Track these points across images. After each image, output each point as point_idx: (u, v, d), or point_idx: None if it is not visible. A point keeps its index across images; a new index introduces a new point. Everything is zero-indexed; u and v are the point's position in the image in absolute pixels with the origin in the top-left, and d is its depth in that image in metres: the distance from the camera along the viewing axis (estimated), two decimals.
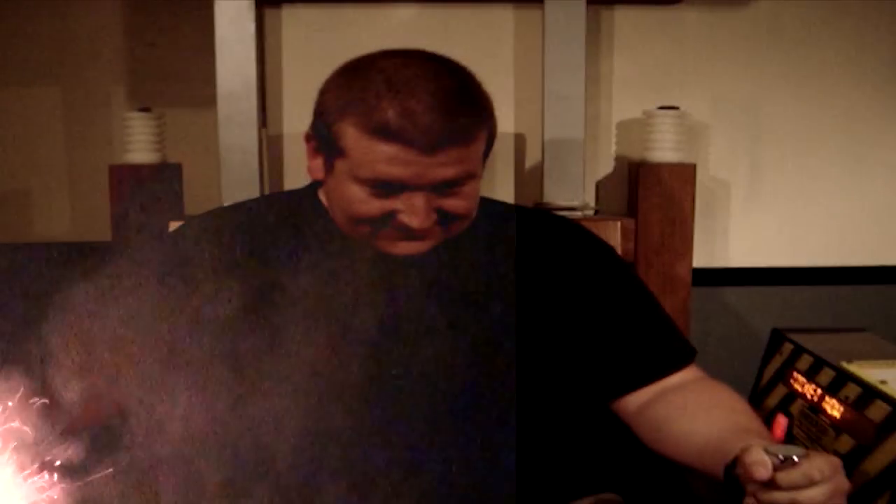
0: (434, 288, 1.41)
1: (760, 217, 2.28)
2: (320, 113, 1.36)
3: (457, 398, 1.36)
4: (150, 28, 1.97)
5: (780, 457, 1.12)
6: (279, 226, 1.44)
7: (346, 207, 1.35)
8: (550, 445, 1.45)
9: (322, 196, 1.43)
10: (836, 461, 1.14)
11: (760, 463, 1.12)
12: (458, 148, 1.31)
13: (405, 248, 1.36)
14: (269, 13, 2.13)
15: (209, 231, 1.45)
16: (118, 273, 1.35)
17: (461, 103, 1.30)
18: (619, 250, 1.89)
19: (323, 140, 1.34)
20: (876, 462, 1.24)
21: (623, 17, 2.21)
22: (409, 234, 1.34)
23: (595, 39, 2.19)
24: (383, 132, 1.25)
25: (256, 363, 1.28)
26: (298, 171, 1.88)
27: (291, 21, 2.17)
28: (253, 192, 2.00)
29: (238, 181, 2.02)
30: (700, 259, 2.10)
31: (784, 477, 1.11)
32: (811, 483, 1.11)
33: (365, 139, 1.27)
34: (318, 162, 1.39)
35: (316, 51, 2.13)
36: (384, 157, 1.27)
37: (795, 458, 1.12)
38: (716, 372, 1.54)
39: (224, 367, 1.27)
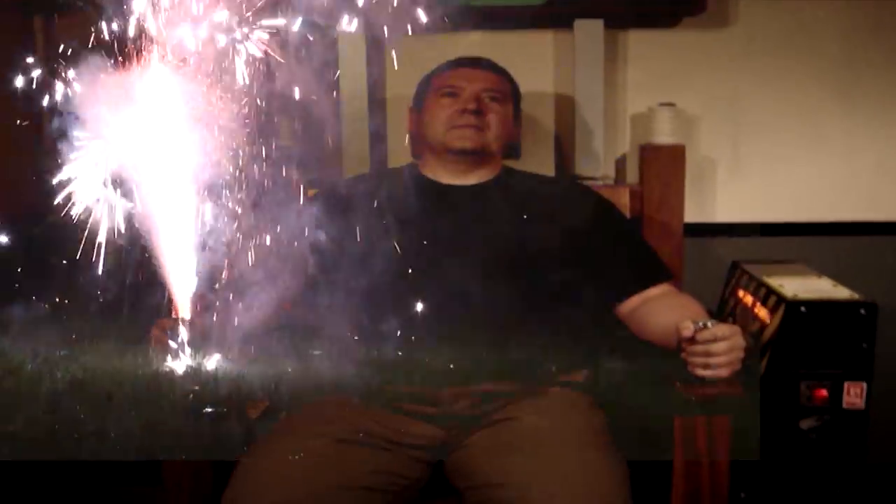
0: (492, 216, 2.07)
1: (739, 185, 2.70)
2: (418, 90, 2.21)
3: (502, 282, 1.97)
4: None
5: (700, 324, 1.68)
6: (391, 182, 2.13)
7: (433, 119, 2.11)
8: (565, 331, 2.00)
9: (417, 166, 2.15)
10: (736, 328, 1.71)
11: (685, 327, 1.69)
12: (491, 73, 2.15)
13: (467, 137, 2.06)
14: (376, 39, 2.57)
15: (357, 186, 2.14)
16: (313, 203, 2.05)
17: (491, 62, 2.15)
18: (628, 210, 2.41)
19: (417, 102, 2.17)
20: (767, 333, 1.86)
21: (634, 37, 2.65)
22: (467, 123, 2.05)
23: (613, 54, 2.63)
24: (447, 66, 2.14)
25: (384, 253, 1.94)
26: (397, 149, 2.57)
27: (394, 46, 2.54)
28: (364, 167, 2.55)
29: (354, 160, 2.56)
30: (691, 216, 2.51)
31: (700, 335, 1.68)
32: (717, 339, 1.68)
33: (438, 78, 2.15)
34: (416, 116, 2.17)
35: (410, 63, 2.43)
36: (448, 78, 2.12)
37: (709, 325, 1.68)
38: (699, 293, 2.08)
39: (369, 256, 1.95)
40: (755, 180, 2.72)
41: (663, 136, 2.53)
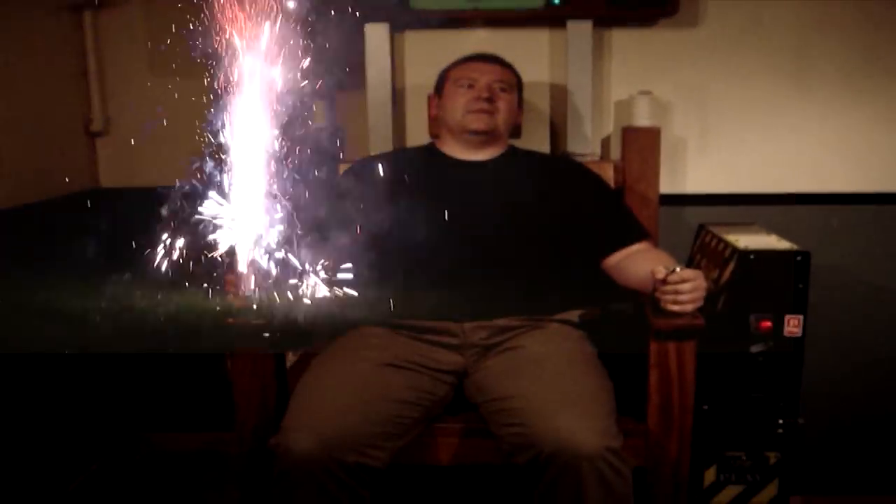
0: (500, 185, 2.38)
1: (706, 160, 2.90)
2: (439, 80, 2.48)
3: (509, 238, 2.30)
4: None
5: (670, 269, 2.00)
6: (415, 157, 2.47)
7: (452, 104, 2.42)
8: (561, 277, 2.34)
9: (435, 144, 2.45)
10: (699, 272, 2.03)
11: (658, 271, 2.01)
12: (500, 67, 2.45)
13: (481, 120, 2.38)
14: (397, 36, 2.84)
15: (385, 161, 2.45)
16: (348, 176, 2.40)
17: (500, 58, 2.41)
18: (612, 181, 2.64)
19: (438, 90, 2.43)
20: (724, 277, 2.23)
21: (618, 35, 2.84)
22: (481, 108, 2.36)
23: (600, 50, 2.82)
24: (463, 61, 2.42)
25: (412, 215, 2.25)
26: (415, 128, 2.87)
27: (412, 40, 2.87)
28: (388, 146, 2.78)
29: (379, 139, 2.80)
30: (666, 187, 2.72)
31: (670, 277, 2.00)
32: (684, 280, 2.00)
33: (455, 70, 2.40)
34: (436, 101, 2.46)
35: (426, 57, 2.79)
36: (464, 70, 2.39)
37: (677, 269, 2.00)
38: (672, 251, 2.38)
39: (398, 217, 2.26)
40: (719, 156, 2.91)
41: (642, 119, 2.76)
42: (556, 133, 2.91)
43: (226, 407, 2.19)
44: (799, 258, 2.18)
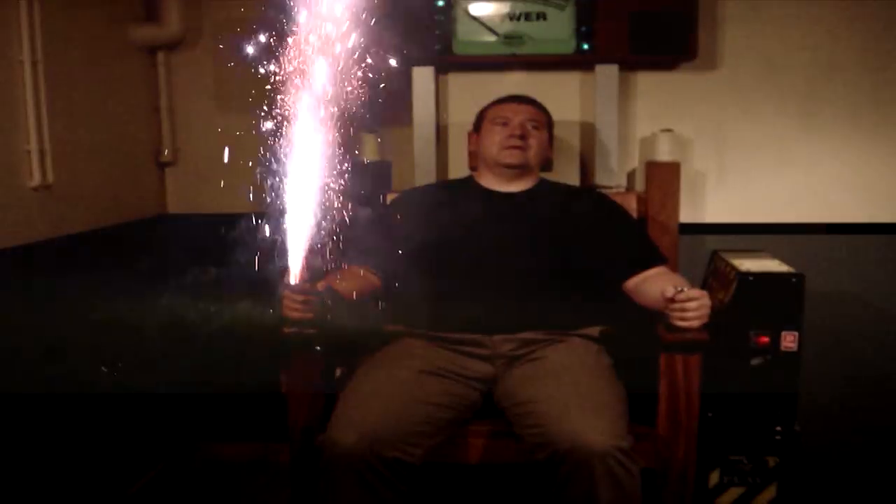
0: (530, 214, 2.55)
1: (723, 192, 3.04)
2: (477, 119, 2.64)
3: (537, 261, 2.48)
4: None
5: (679, 288, 2.16)
6: (455, 188, 2.66)
7: (489, 141, 2.59)
8: (583, 297, 2.50)
9: (473, 177, 2.64)
10: (705, 292, 2.19)
11: (667, 290, 2.17)
12: (532, 107, 2.62)
13: (514, 155, 2.56)
14: (441, 78, 3.04)
15: (428, 192, 2.68)
16: (395, 205, 2.61)
17: (533, 99, 2.57)
18: (635, 212, 2.79)
19: (476, 127, 2.60)
20: (727, 297, 2.42)
21: (642, 77, 3.01)
22: (514, 144, 2.53)
23: (626, 91, 2.98)
24: (499, 101, 2.58)
25: (451, 240, 2.46)
26: (456, 161, 3.04)
27: (454, 82, 3.07)
28: (431, 178, 2.98)
29: (424, 172, 3.01)
30: (685, 217, 2.84)
31: (678, 296, 2.17)
32: (690, 299, 2.17)
33: (492, 110, 2.57)
34: (475, 138, 2.63)
35: (467, 97, 2.98)
36: (500, 110, 2.55)
37: (685, 289, 2.17)
38: (690, 275, 2.56)
39: (439, 242, 2.46)
40: (735, 189, 3.04)
41: (664, 154, 2.91)
42: (586, 166, 3.06)
43: (277, 419, 2.37)
44: (794, 280, 2.37)
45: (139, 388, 2.93)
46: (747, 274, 2.40)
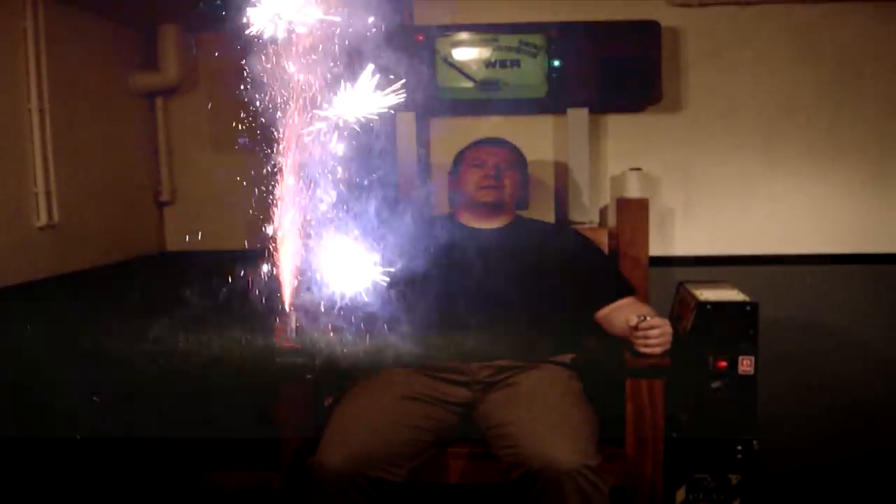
0: (506, 249, 2.68)
1: (690, 227, 3.16)
2: (455, 160, 2.74)
3: (512, 293, 2.59)
4: None
5: (641, 317, 2.31)
6: (436, 225, 2.75)
7: (466, 181, 2.70)
8: (555, 327, 2.64)
9: (455, 215, 2.76)
10: (666, 320, 2.34)
11: (631, 319, 2.32)
12: (506, 149, 2.73)
13: (490, 194, 2.67)
14: (424, 122, 3.18)
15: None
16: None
17: (506, 142, 2.68)
18: (607, 247, 2.92)
19: (454, 171, 2.70)
20: (688, 324, 2.57)
21: (612, 119, 3.15)
22: (489, 184, 2.65)
23: (596, 132, 3.12)
24: (475, 144, 2.67)
25: (431, 274, 2.51)
26: (439, 200, 3.03)
27: (436, 125, 3.22)
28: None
29: None
30: (655, 250, 2.98)
31: (641, 324, 2.32)
32: (652, 327, 2.31)
33: (469, 153, 2.66)
34: (452, 180, 2.73)
35: (448, 139, 3.06)
36: (476, 153, 2.66)
37: (647, 318, 2.31)
38: (659, 305, 2.67)
39: (423, 275, 2.49)
40: (702, 223, 3.17)
41: (633, 191, 3.05)
42: (560, 203, 3.18)
43: (270, 449, 2.48)
44: (748, 308, 2.54)
45: (138, 423, 3.03)
46: (706, 303, 2.56)
